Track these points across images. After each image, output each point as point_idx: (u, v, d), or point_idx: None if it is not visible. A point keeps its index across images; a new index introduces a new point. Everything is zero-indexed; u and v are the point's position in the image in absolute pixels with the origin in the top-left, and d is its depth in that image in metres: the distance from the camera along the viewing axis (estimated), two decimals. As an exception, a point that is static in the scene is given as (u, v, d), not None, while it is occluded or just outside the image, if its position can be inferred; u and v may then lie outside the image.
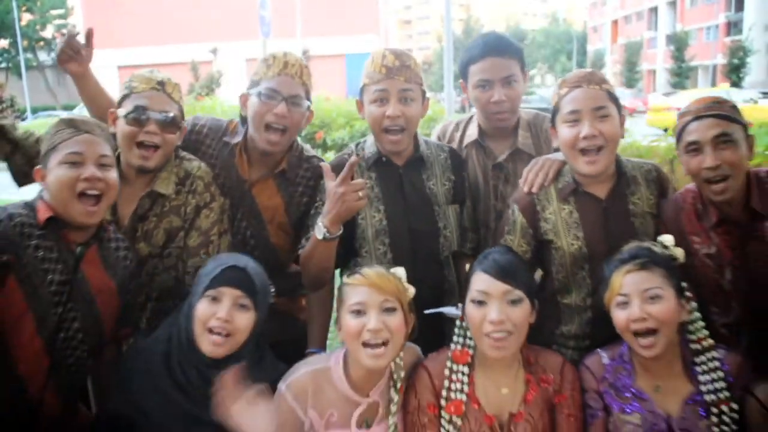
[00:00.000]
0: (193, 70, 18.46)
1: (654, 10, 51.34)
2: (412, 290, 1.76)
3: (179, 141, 2.08)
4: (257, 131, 2.10)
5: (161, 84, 2.02)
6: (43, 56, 43.11)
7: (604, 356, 1.82)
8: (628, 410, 1.74)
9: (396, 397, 1.75)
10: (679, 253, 1.79)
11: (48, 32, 43.11)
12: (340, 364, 1.74)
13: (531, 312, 1.73)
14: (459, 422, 1.72)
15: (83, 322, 1.76)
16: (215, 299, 1.72)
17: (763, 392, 1.65)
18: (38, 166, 1.77)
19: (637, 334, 1.68)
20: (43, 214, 1.71)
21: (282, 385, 1.73)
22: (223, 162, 2.20)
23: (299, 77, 2.11)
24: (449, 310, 1.94)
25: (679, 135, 1.92)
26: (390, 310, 1.67)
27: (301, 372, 1.74)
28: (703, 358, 1.72)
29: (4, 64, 39.72)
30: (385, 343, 1.65)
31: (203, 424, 1.65)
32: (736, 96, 15.18)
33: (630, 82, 45.48)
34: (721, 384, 1.68)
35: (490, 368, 1.77)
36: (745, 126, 1.89)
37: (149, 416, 1.68)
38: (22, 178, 2.14)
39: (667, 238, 1.80)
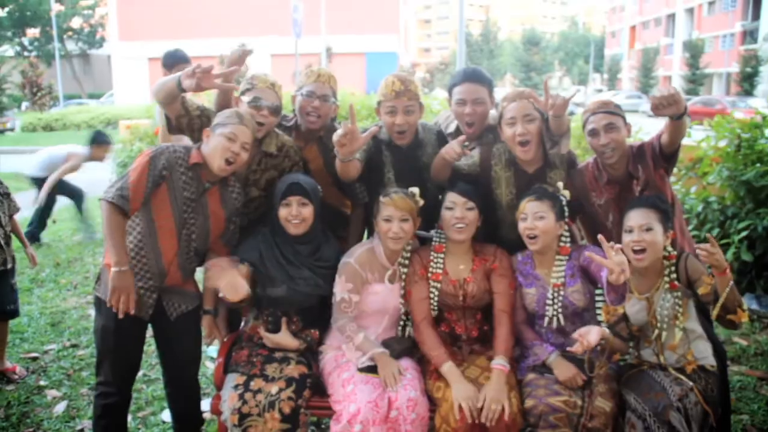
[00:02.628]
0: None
1: (672, 17, 51.81)
2: (421, 202, 2.77)
3: (277, 122, 3.05)
4: (301, 118, 3.11)
5: (272, 84, 2.96)
6: (71, 46, 44.42)
7: (518, 255, 2.81)
8: (529, 286, 2.73)
9: (406, 269, 2.81)
10: (566, 193, 2.75)
11: (76, 23, 44.46)
12: (380, 245, 2.79)
13: (478, 217, 2.72)
14: (438, 285, 2.76)
15: (198, 229, 2.70)
16: (287, 204, 2.73)
17: None
18: (208, 129, 2.68)
19: (529, 237, 2.66)
20: (194, 158, 2.65)
21: (350, 259, 2.74)
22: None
23: (328, 83, 3.10)
24: (431, 234, 2.92)
25: (584, 125, 2.83)
26: (405, 220, 2.69)
27: (359, 250, 2.80)
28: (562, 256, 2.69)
29: (35, 53, 41.04)
30: (401, 237, 2.71)
31: (295, 270, 2.74)
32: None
33: (645, 87, 46.03)
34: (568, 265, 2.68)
35: (454, 254, 2.79)
36: (623, 118, 2.77)
37: (265, 261, 2.73)
38: (175, 130, 2.97)
39: (560, 184, 2.77)
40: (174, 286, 2.72)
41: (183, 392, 2.90)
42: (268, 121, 2.89)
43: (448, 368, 2.57)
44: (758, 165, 4.72)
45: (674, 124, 2.57)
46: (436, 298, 2.74)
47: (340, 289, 2.73)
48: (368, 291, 2.77)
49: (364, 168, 2.95)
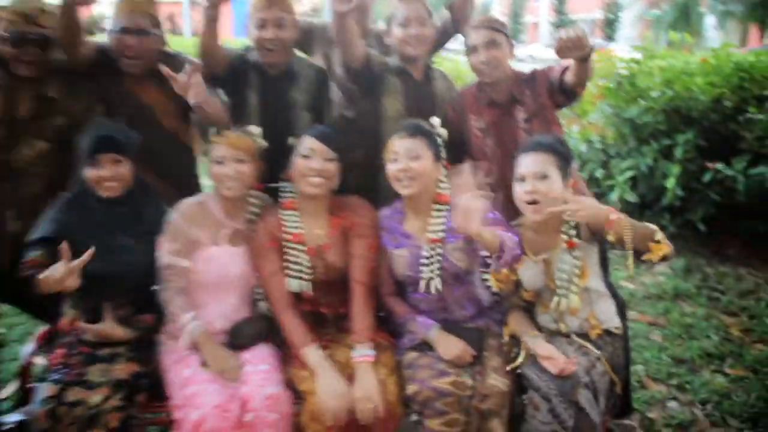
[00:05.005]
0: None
1: (539, -36, 53.01)
2: (263, 143, 2.32)
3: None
4: (119, 59, 2.55)
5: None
6: None
7: (384, 211, 2.37)
8: (397, 247, 2.29)
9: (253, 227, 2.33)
10: (443, 132, 2.36)
11: None
12: (213, 197, 2.31)
13: (336, 173, 2.27)
14: (302, 247, 2.28)
15: None
16: (96, 164, 2.16)
17: None
18: None
19: (398, 180, 2.23)
20: None
21: (175, 213, 2.24)
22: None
23: (145, 12, 2.56)
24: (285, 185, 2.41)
25: (466, 42, 2.61)
26: (240, 161, 2.22)
27: (188, 201, 2.30)
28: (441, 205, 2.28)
29: None
30: (236, 181, 2.23)
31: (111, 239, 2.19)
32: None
33: (514, 33, 47.13)
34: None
35: (308, 214, 2.31)
36: (507, 35, 2.58)
37: (71, 232, 2.11)
38: None
39: (435, 120, 2.37)
40: None
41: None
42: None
43: (313, 356, 2.11)
44: (641, 102, 4.53)
45: (581, 66, 2.36)
46: (300, 267, 2.26)
47: (164, 251, 2.20)
48: (202, 256, 2.23)
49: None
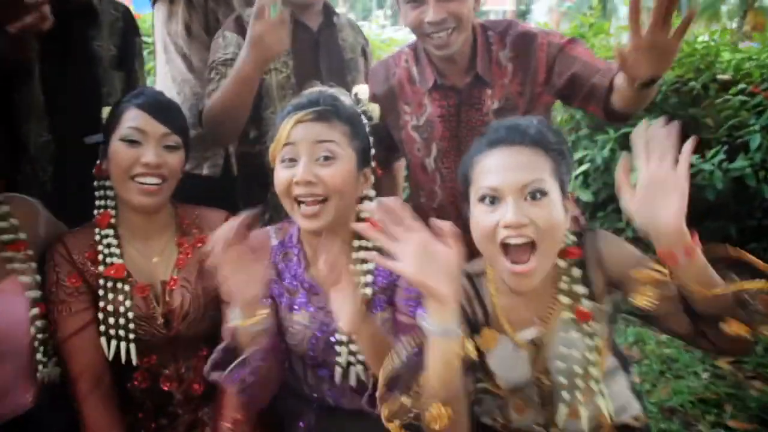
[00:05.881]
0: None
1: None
2: None
3: None
4: None
5: None
6: None
7: (272, 236, 1.47)
8: (295, 307, 1.40)
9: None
10: (374, 109, 1.49)
11: None
12: None
13: (180, 167, 1.53)
14: (124, 286, 1.46)
15: None
16: None
17: None
18: None
19: (299, 200, 1.31)
20: None
21: None
22: None
23: None
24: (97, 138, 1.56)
25: None
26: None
27: None
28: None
29: None
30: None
31: None
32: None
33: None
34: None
35: (137, 233, 1.53)
36: None
37: None
38: None
39: (362, 89, 1.54)
40: None
41: None
42: None
43: None
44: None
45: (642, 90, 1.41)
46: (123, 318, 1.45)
47: None
48: None
49: None
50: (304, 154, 1.30)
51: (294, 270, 1.42)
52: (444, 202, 1.78)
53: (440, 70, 1.73)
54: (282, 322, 1.42)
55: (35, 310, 1.39)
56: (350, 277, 1.22)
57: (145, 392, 1.50)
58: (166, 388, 1.51)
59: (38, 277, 1.44)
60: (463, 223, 1.23)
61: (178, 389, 1.51)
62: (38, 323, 1.39)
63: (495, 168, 1.24)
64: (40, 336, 1.39)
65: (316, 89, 1.42)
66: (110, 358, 1.44)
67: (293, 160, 1.31)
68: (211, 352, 1.34)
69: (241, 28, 1.78)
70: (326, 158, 1.30)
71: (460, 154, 1.64)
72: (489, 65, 1.70)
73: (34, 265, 1.43)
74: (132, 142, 1.44)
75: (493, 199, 1.23)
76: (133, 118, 1.45)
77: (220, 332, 1.39)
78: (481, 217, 1.24)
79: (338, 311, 1.20)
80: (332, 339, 1.37)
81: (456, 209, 1.70)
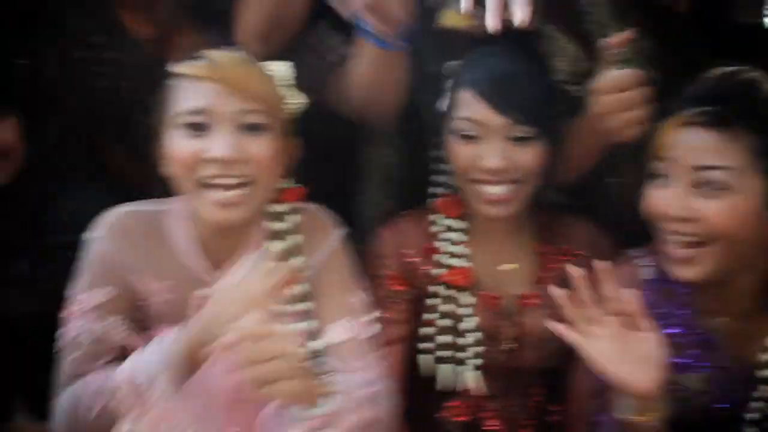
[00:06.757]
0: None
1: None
2: (302, 99, 1.07)
3: None
4: None
5: None
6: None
7: (635, 254, 1.13)
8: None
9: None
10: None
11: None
12: (181, 217, 1.06)
13: (538, 168, 1.16)
14: (469, 299, 1.18)
15: None
16: None
17: None
18: None
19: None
20: None
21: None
22: None
23: None
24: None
25: None
26: (253, 128, 0.99)
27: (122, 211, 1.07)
28: None
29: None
30: (243, 184, 0.98)
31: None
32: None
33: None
34: None
35: (487, 236, 1.22)
36: None
37: None
38: None
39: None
40: None
41: None
42: None
43: None
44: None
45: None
46: (458, 346, 1.19)
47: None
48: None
49: None
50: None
51: (675, 305, 1.07)
52: None
53: None
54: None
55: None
56: None
57: (459, 427, 1.23)
58: (487, 427, 1.22)
59: None
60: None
61: (501, 429, 1.23)
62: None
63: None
64: None
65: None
66: (440, 385, 1.18)
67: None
68: (545, 391, 1.22)
69: None
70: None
71: None
72: None
73: None
74: (469, 138, 1.12)
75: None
76: (470, 106, 1.11)
77: (557, 368, 1.18)
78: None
79: None
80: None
81: None
